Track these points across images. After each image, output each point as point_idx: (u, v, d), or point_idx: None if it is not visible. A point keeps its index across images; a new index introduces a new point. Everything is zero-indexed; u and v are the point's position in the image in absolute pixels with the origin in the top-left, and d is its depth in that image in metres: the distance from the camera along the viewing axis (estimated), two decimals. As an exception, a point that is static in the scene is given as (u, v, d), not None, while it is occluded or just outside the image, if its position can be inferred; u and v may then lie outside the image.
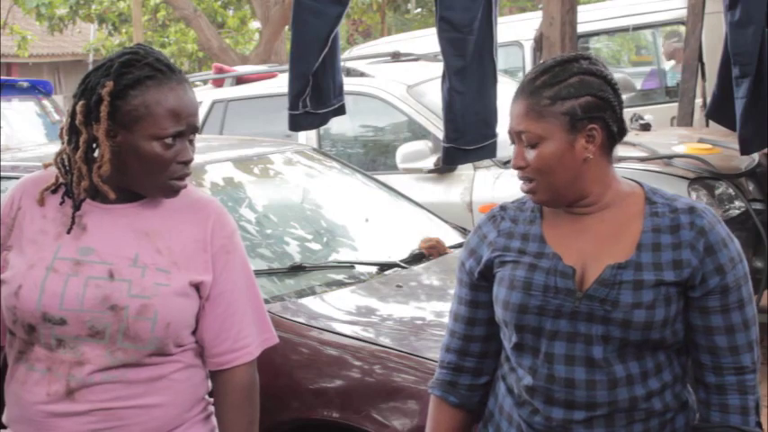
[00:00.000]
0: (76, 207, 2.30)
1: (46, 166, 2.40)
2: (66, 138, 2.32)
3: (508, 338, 2.27)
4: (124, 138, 2.25)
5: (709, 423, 2.20)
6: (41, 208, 2.33)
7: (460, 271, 2.38)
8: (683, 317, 2.17)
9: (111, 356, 2.27)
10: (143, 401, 2.29)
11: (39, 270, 2.28)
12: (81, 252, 2.30)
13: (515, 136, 2.21)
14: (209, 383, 2.45)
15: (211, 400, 2.45)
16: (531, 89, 2.18)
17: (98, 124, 2.24)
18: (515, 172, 2.23)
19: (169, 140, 2.24)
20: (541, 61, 2.49)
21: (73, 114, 2.28)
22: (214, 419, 2.43)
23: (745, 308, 2.18)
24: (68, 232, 2.30)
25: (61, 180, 2.33)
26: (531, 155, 2.17)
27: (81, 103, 2.26)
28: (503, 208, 2.35)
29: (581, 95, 2.15)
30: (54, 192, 2.35)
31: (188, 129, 2.28)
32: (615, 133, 2.20)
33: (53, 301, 2.25)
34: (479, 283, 2.33)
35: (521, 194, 2.34)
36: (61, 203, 2.32)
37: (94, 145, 2.28)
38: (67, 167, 2.31)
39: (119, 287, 2.27)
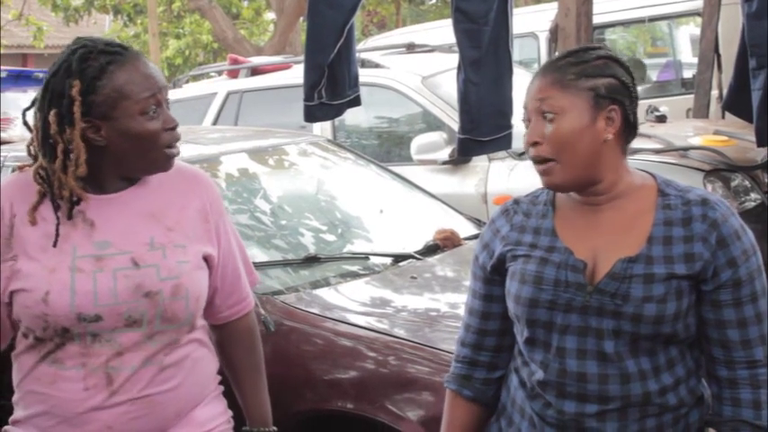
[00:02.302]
0: (69, 217, 2.29)
1: (21, 168, 2.39)
2: (39, 152, 2.29)
3: (520, 333, 2.27)
4: (109, 128, 2.25)
5: (721, 417, 2.19)
6: (38, 212, 2.31)
7: (474, 265, 2.38)
8: (695, 311, 2.16)
9: (149, 341, 2.31)
10: (173, 383, 2.34)
11: (63, 273, 2.26)
12: (98, 247, 2.30)
13: (533, 111, 2.18)
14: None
15: (219, 377, 2.53)
16: (555, 66, 2.19)
17: (72, 127, 2.23)
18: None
19: (152, 112, 2.27)
20: (557, 53, 2.49)
21: (45, 126, 2.26)
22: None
23: (758, 301, 2.16)
24: (54, 245, 2.27)
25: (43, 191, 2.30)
26: (548, 129, 2.15)
27: (52, 112, 2.25)
28: (516, 202, 2.35)
29: (605, 76, 2.16)
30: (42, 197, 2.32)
31: (162, 95, 2.30)
32: (631, 125, 2.19)
33: (87, 300, 2.25)
34: (493, 277, 2.33)
35: (535, 186, 2.33)
36: (56, 211, 2.30)
37: (67, 150, 2.26)
38: (46, 180, 2.28)
39: (147, 273, 2.30)
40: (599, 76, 2.15)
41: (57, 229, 2.27)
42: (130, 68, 2.27)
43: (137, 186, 2.36)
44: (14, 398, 2.41)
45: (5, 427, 2.40)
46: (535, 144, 2.17)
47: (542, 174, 2.19)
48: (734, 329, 2.15)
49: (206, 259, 2.42)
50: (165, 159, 2.32)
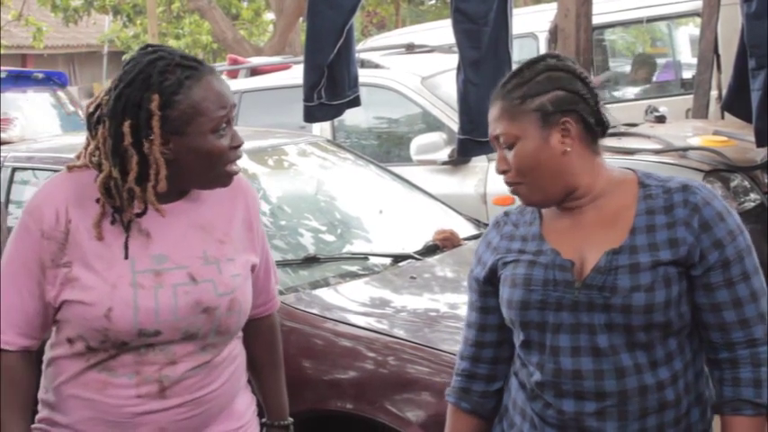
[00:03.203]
0: (127, 228, 2.27)
1: (70, 169, 2.34)
2: (107, 162, 2.23)
3: (516, 337, 2.30)
4: (178, 143, 2.22)
5: (722, 399, 2.19)
6: (92, 218, 2.27)
7: (469, 278, 2.42)
8: (687, 298, 2.17)
9: (201, 352, 2.33)
10: (219, 382, 2.38)
11: (124, 289, 2.25)
12: (156, 261, 2.29)
13: (494, 141, 2.25)
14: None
15: None
16: (503, 93, 2.23)
17: (149, 141, 2.20)
18: None
19: (222, 130, 2.25)
20: (557, 53, 2.50)
21: (117, 135, 2.21)
22: None
23: (750, 279, 2.16)
24: (125, 257, 2.26)
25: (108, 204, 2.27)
26: (510, 156, 2.21)
27: (127, 123, 2.20)
28: (506, 214, 2.40)
29: (549, 91, 2.18)
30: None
31: (232, 112, 2.30)
32: (593, 125, 2.21)
33: (149, 318, 2.25)
34: (486, 288, 2.36)
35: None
36: (112, 222, 2.28)
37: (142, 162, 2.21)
38: (114, 192, 2.24)
39: (205, 288, 2.31)
40: (542, 93, 2.18)
41: (126, 244, 2.26)
42: (206, 85, 2.24)
43: (187, 198, 2.36)
44: (48, 398, 2.39)
45: (33, 426, 2.39)
46: (503, 171, 2.24)
47: (516, 194, 2.25)
48: (729, 311, 2.16)
49: (251, 268, 2.46)
50: (226, 176, 2.31)
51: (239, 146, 2.31)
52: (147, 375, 2.28)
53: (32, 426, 2.39)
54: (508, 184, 2.25)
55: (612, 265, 2.15)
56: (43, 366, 2.40)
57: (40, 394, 2.41)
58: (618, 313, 2.14)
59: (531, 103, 2.18)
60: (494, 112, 2.24)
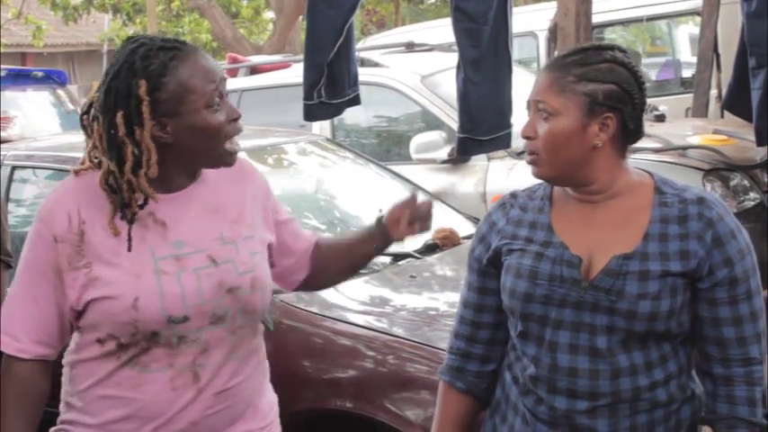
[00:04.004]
0: (131, 221, 2.25)
1: (77, 173, 2.33)
2: (105, 157, 2.23)
3: (514, 327, 2.28)
4: (175, 124, 2.22)
5: (717, 415, 2.19)
6: (105, 216, 2.26)
7: (470, 257, 2.39)
8: (689, 308, 2.17)
9: (232, 336, 2.33)
10: (247, 372, 2.39)
11: (148, 277, 2.24)
12: (175, 246, 2.29)
13: (532, 105, 2.21)
14: None
15: None
16: (561, 64, 2.19)
17: (142, 128, 2.19)
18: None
19: (216, 104, 2.25)
20: (557, 52, 2.49)
21: (111, 129, 2.21)
22: None
23: (752, 299, 2.17)
24: (129, 250, 2.25)
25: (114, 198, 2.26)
26: (542, 127, 2.18)
27: (119, 114, 2.19)
28: (513, 195, 2.36)
29: (607, 82, 2.15)
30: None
31: (223, 86, 2.29)
32: (631, 131, 2.19)
33: (176, 303, 2.25)
34: (488, 269, 2.33)
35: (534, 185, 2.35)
36: (122, 217, 2.27)
37: (137, 151, 2.22)
38: (115, 186, 2.23)
39: (226, 269, 2.31)
40: (600, 82, 2.15)
41: (129, 234, 2.25)
42: (192, 62, 2.24)
43: (197, 183, 2.36)
44: (72, 401, 2.36)
45: (56, 428, 2.38)
46: (528, 137, 2.21)
47: (530, 163, 2.23)
48: (729, 327, 2.16)
49: (268, 246, 2.48)
50: (228, 154, 2.30)
51: (237, 119, 2.30)
52: (181, 367, 2.28)
53: (55, 428, 2.38)
54: (527, 151, 2.22)
55: (622, 269, 2.14)
56: (65, 370, 2.38)
57: (64, 398, 2.38)
58: (621, 318, 2.13)
59: (585, 87, 2.15)
60: (544, 78, 2.20)
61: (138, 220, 2.26)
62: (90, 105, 2.30)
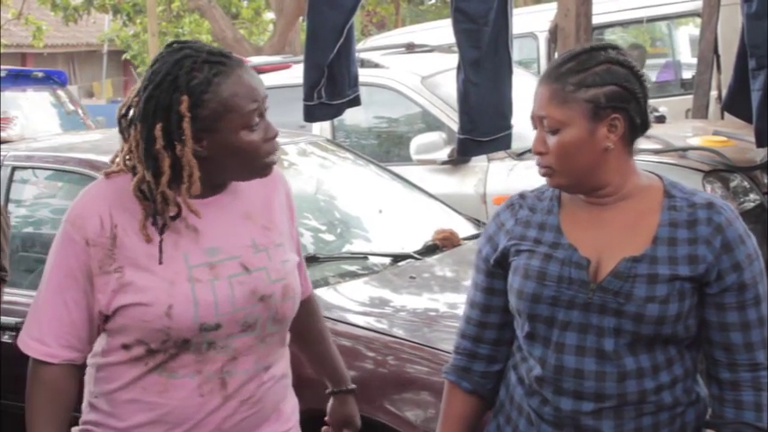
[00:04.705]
0: (162, 231, 2.23)
1: (107, 176, 2.31)
2: (140, 165, 2.20)
3: (521, 327, 2.28)
4: (211, 140, 2.19)
5: (723, 419, 2.19)
6: (137, 220, 2.23)
7: (477, 257, 2.39)
8: (696, 312, 2.17)
9: (261, 344, 2.32)
10: (274, 380, 2.38)
11: (182, 285, 2.22)
12: (209, 254, 2.27)
13: (537, 121, 2.20)
14: None
15: None
16: (556, 74, 2.17)
17: (181, 143, 2.17)
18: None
19: (255, 125, 2.22)
20: (557, 53, 2.49)
21: (150, 139, 2.17)
22: None
23: (760, 304, 2.17)
24: (160, 262, 2.22)
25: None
26: (551, 141, 2.16)
27: (158, 126, 2.16)
28: (522, 196, 2.35)
29: (606, 84, 2.14)
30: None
31: (265, 104, 2.26)
32: (638, 125, 2.19)
33: (209, 311, 2.23)
34: (495, 270, 2.33)
35: (534, 186, 2.34)
36: (153, 224, 2.24)
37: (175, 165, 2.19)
38: (148, 194, 2.20)
39: (259, 277, 2.29)
40: (599, 86, 2.14)
41: (160, 247, 2.23)
42: (236, 79, 2.20)
43: (227, 190, 2.33)
44: (97, 403, 2.34)
45: (78, 428, 2.37)
46: (540, 153, 2.19)
47: (545, 175, 2.22)
48: (737, 332, 2.16)
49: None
50: (264, 168, 2.28)
51: (274, 137, 2.27)
52: (209, 374, 2.26)
53: (77, 428, 2.37)
54: (540, 165, 2.21)
55: (631, 272, 2.14)
56: (90, 371, 2.36)
57: (88, 398, 2.36)
58: (629, 320, 2.13)
59: (585, 93, 2.13)
60: (543, 92, 2.18)
61: (170, 225, 2.24)
62: (129, 107, 2.26)
